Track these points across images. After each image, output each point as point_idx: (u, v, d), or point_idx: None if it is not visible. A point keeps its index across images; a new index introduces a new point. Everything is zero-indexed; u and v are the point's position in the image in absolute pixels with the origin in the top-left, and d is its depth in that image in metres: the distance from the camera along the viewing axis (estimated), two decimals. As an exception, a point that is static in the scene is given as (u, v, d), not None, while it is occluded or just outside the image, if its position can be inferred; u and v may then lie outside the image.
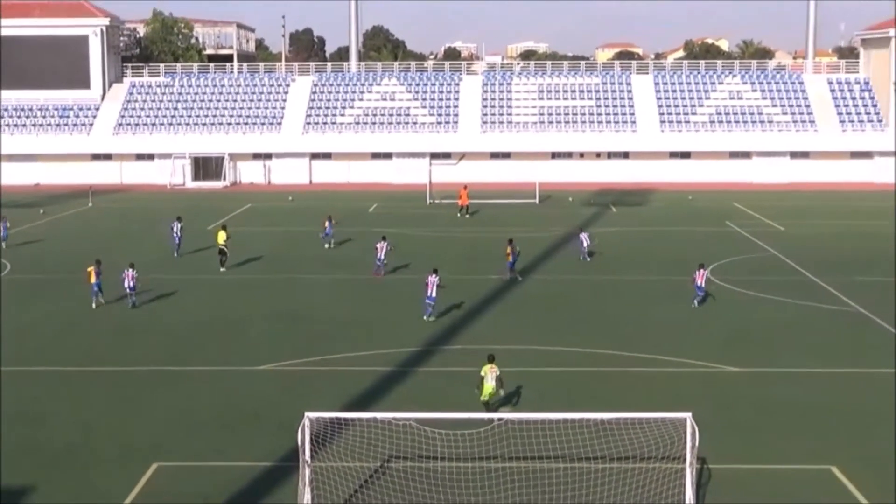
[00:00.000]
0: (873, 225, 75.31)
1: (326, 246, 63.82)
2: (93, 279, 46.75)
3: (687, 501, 24.03)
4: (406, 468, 26.91)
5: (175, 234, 61.02)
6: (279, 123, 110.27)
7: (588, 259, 59.90)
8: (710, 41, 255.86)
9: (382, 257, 54.58)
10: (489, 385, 30.08)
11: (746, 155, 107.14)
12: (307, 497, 23.98)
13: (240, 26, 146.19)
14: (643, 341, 41.85)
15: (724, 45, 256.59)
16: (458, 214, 79.66)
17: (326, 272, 56.64)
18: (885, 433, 31.42)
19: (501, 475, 26.51)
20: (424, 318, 44.83)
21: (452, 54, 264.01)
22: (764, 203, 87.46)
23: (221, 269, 56.11)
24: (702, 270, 48.83)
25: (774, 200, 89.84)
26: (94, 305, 46.87)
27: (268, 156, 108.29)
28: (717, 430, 29.13)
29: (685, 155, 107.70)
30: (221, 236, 56.79)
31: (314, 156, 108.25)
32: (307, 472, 24.01)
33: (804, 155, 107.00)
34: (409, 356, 39.68)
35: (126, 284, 46.74)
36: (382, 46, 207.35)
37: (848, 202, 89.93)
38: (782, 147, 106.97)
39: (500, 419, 27.52)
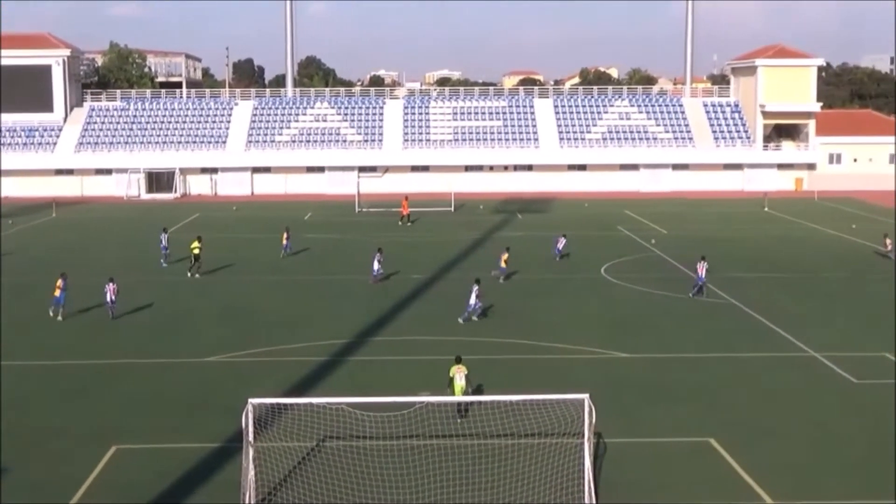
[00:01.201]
0: (743, 228, 76.31)
1: (282, 254, 62.44)
2: (57, 292, 44.30)
3: (585, 471, 24.14)
4: (339, 446, 26.85)
5: (162, 244, 59.65)
6: (224, 142, 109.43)
7: (558, 259, 60.41)
8: (602, 69, 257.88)
9: (378, 267, 53.42)
10: (459, 384, 29.58)
11: (634, 167, 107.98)
12: (251, 473, 23.83)
13: (188, 56, 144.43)
14: (546, 332, 42.06)
15: (614, 72, 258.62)
16: (400, 223, 79.37)
17: (269, 274, 56.27)
18: (754, 408, 31.89)
19: (423, 451, 26.49)
20: (460, 320, 43.90)
21: (377, 81, 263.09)
22: (650, 209, 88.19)
23: (188, 274, 54.98)
24: (702, 262, 49.57)
25: (659, 207, 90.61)
26: (51, 314, 44.37)
27: (214, 170, 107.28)
28: (610, 409, 29.32)
29: (581, 167, 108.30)
30: (195, 245, 56.14)
31: (255, 170, 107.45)
32: (251, 451, 23.85)
33: (684, 167, 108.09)
34: (341, 347, 39.58)
35: (108, 298, 44.30)
36: (315, 74, 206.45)
37: (722, 208, 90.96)
38: (665, 160, 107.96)
39: (421, 403, 27.49)
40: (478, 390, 31.97)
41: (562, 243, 61.25)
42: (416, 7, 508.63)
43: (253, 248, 65.62)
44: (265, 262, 59.94)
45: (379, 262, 53.26)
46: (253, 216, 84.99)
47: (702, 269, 49.33)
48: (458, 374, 29.62)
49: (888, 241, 61.92)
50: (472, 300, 43.79)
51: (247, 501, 23.55)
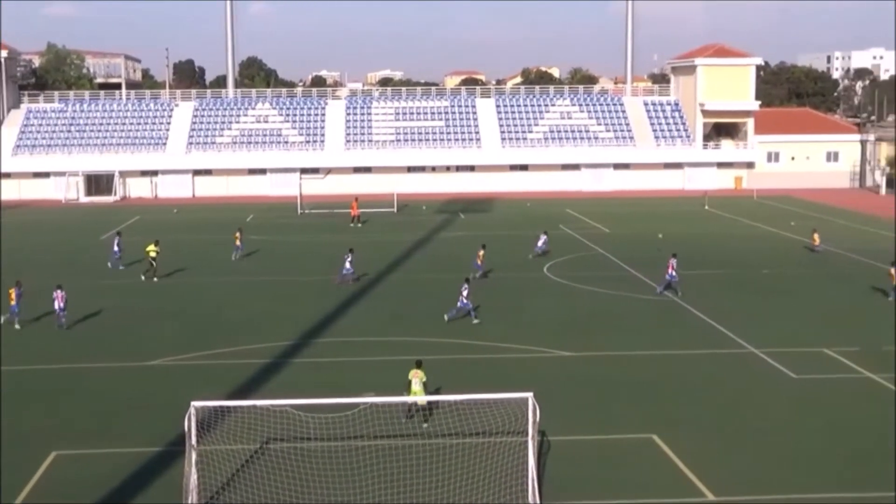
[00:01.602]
0: (684, 226, 77.00)
1: (234, 256, 61.99)
2: (12, 301, 42.89)
3: (529, 469, 24.25)
4: (283, 448, 26.75)
5: (116, 248, 58.76)
6: (164, 144, 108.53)
7: (531, 258, 60.82)
8: (543, 69, 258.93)
9: (349, 267, 53.13)
10: (414, 389, 29.30)
11: (576, 167, 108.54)
12: (193, 477, 23.68)
13: (127, 57, 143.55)
14: (489, 331, 42.16)
15: (555, 72, 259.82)
16: (351, 224, 79.13)
17: (211, 276, 55.91)
18: (696, 405, 32.21)
19: (367, 452, 26.51)
20: (446, 317, 43.91)
21: (319, 82, 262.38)
22: (592, 208, 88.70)
23: (142, 278, 54.36)
24: (673, 259, 49.90)
25: (601, 206, 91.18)
26: (2, 320, 43.07)
27: (154, 172, 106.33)
28: (554, 407, 29.42)
29: (523, 167, 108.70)
30: (152, 249, 55.61)
31: (196, 172, 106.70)
32: (193, 455, 23.71)
33: (625, 166, 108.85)
34: (284, 349, 39.42)
35: (56, 305, 43.01)
36: (256, 75, 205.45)
37: (662, 207, 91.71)
38: (606, 160, 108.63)
39: (365, 403, 27.46)
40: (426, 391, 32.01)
41: (542, 240, 61.87)
42: (357, 7, 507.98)
43: (200, 250, 65.16)
44: (217, 264, 59.56)
45: (350, 262, 53.14)
46: (194, 218, 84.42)
47: (672, 265, 49.67)
48: (415, 380, 29.49)
49: (816, 237, 63.07)
50: (463, 299, 43.79)
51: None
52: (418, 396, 28.85)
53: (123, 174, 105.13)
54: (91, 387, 34.46)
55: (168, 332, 42.68)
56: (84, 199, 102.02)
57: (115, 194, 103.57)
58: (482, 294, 50.24)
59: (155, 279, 54.24)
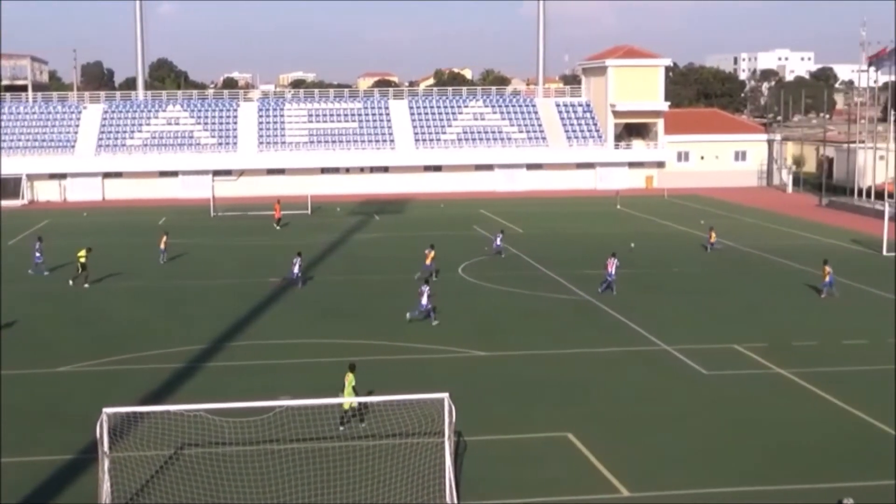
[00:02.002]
0: (595, 225, 77.72)
1: (160, 260, 60.89)
2: None
3: (446, 470, 24.27)
4: (197, 454, 26.45)
5: (37, 254, 57.28)
6: (73, 146, 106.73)
7: (484, 255, 61.76)
8: (456, 70, 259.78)
9: (297, 272, 52.53)
10: (347, 392, 28.98)
11: (489, 167, 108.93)
12: (106, 485, 23.33)
13: (34, 59, 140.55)
14: (404, 332, 42.15)
15: (468, 73, 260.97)
16: (275, 226, 78.59)
17: (121, 280, 55.08)
18: (609, 402, 32.50)
19: (283, 455, 26.34)
20: (408, 315, 43.80)
21: (231, 83, 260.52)
22: (505, 209, 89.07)
23: (70, 283, 53.16)
24: (612, 259, 50.09)
25: (514, 206, 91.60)
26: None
27: (63, 176, 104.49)
28: (470, 407, 29.50)
29: (437, 168, 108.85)
30: (82, 254, 54.49)
31: (106, 175, 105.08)
32: (106, 462, 23.36)
33: (538, 167, 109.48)
34: (198, 353, 38.99)
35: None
36: (167, 77, 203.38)
37: (575, 206, 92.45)
38: (519, 160, 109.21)
39: (280, 407, 27.25)
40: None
41: (500, 238, 62.78)
42: (269, 8, 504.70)
43: (104, 254, 64.09)
44: (119, 268, 58.61)
45: (299, 266, 52.72)
46: (104, 222, 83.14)
47: (611, 265, 50.04)
48: (347, 384, 29.16)
49: (713, 234, 64.23)
50: (424, 300, 43.63)
51: (103, 513, 23.09)
52: (344, 399, 28.72)
53: (31, 177, 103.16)
54: (2, 396, 33.73)
55: (77, 338, 41.82)
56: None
57: (23, 198, 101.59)
58: (395, 294, 50.20)
59: (86, 285, 53.20)
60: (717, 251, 63.07)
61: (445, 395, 24.77)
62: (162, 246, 61.59)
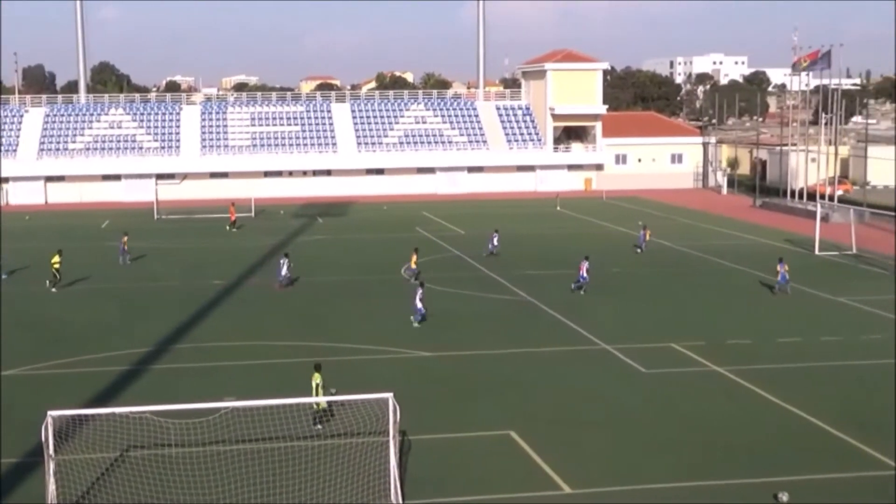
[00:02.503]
0: (536, 227, 78.05)
1: (121, 262, 60.61)
2: None
3: (391, 469, 24.29)
4: (143, 455, 26.28)
5: None
6: (14, 150, 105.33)
7: (484, 255, 61.85)
8: (398, 74, 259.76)
9: (284, 272, 52.36)
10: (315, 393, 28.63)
11: (431, 170, 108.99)
12: (52, 486, 23.10)
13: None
14: (347, 333, 42.10)
15: (409, 77, 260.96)
16: (228, 227, 77.76)
17: (64, 283, 54.39)
18: (551, 400, 32.68)
19: (229, 456, 26.25)
20: (414, 321, 43.78)
21: (173, 87, 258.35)
22: (447, 211, 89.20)
23: (53, 289, 52.39)
24: (585, 262, 50.34)
25: (456, 209, 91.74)
26: None
27: (5, 179, 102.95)
28: (414, 407, 29.51)
29: (379, 171, 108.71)
30: (56, 259, 53.72)
31: (48, 178, 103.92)
32: (52, 465, 23.12)
33: (479, 169, 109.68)
34: (143, 356, 38.67)
35: None
36: (109, 80, 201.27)
37: (516, 208, 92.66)
38: (461, 163, 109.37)
39: (225, 408, 27.11)
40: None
41: (496, 238, 62.79)
42: (211, 11, 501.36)
43: (47, 258, 63.33)
44: (62, 272, 57.96)
45: (288, 267, 52.63)
46: (46, 225, 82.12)
47: (584, 267, 50.26)
48: (314, 383, 28.95)
49: (648, 233, 64.61)
50: (418, 303, 43.63)
51: (49, 516, 22.87)
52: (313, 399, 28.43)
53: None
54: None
55: (20, 341, 41.26)
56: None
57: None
58: (337, 296, 50.16)
59: (54, 289, 52.46)
60: (649, 252, 63.43)
61: (390, 395, 24.80)
62: (124, 247, 61.47)
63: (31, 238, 74.02)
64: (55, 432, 23.45)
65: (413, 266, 54.25)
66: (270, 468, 25.55)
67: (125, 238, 62.36)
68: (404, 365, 37.24)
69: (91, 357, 38.48)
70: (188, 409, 25.84)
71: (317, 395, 28.50)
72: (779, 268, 50.28)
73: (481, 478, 25.89)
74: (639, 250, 63.79)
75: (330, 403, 28.75)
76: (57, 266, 53.40)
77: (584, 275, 50.37)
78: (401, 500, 23.81)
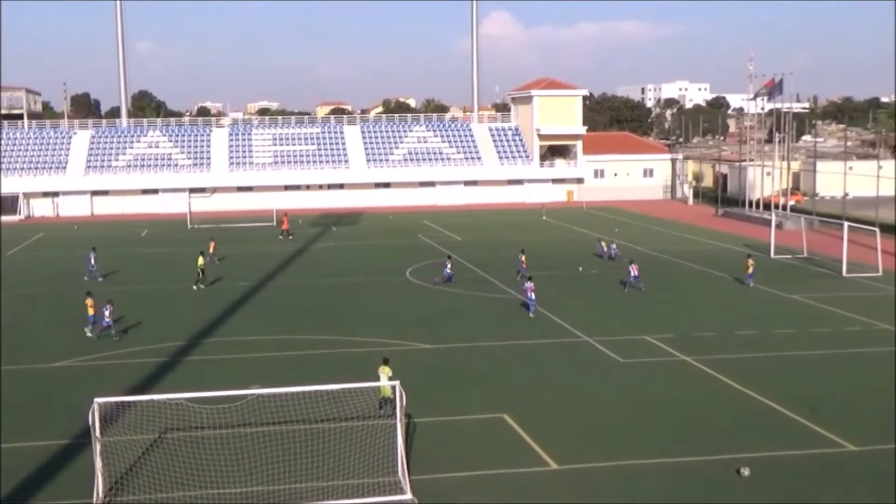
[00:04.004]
0: (524, 233, 77.88)
1: (213, 262, 60.44)
2: (90, 311, 40.34)
3: (398, 448, 24.19)
4: (179, 437, 26.18)
5: (90, 262, 56.32)
6: (64, 167, 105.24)
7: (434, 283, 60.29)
8: (402, 99, 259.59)
9: (449, 271, 52.99)
10: (384, 385, 27.96)
11: (432, 184, 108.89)
12: (98, 464, 22.99)
13: (28, 91, 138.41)
14: (360, 328, 42.01)
15: (412, 102, 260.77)
16: (281, 237, 77.24)
17: (105, 285, 54.19)
18: (539, 387, 32.57)
19: (256, 437, 26.16)
20: (533, 310, 43.96)
21: (204, 111, 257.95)
22: (446, 220, 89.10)
23: (198, 287, 52.40)
24: (633, 265, 50.39)
25: (453, 218, 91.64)
26: (88, 333, 40.36)
27: (55, 193, 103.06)
28: (418, 393, 29.38)
29: (386, 185, 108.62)
30: (200, 260, 53.68)
31: (94, 192, 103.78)
32: (98, 445, 23.02)
33: (474, 183, 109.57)
34: (177, 348, 38.58)
35: (105, 320, 39.78)
36: (147, 106, 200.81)
37: (507, 217, 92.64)
38: (458, 178, 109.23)
39: (251, 395, 27.00)
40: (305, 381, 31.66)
41: (449, 266, 59.40)
42: (237, 45, 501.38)
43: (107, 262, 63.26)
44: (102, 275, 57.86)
45: (450, 267, 53.52)
46: (92, 234, 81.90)
47: (634, 269, 50.10)
48: (383, 375, 28.55)
49: (605, 244, 63.10)
50: (531, 295, 43.97)
51: (97, 491, 22.77)
52: (386, 394, 27.80)
53: (27, 195, 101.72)
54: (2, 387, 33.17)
55: (67, 337, 40.96)
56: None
57: (20, 214, 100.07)
58: (351, 295, 50.03)
59: (201, 286, 52.51)
60: (624, 255, 63.19)
61: (396, 383, 24.74)
62: (211, 251, 62.04)
63: (78, 245, 73.87)
64: (101, 417, 23.35)
65: (524, 266, 54.30)
66: (292, 447, 25.44)
67: (212, 244, 62.86)
68: (408, 356, 37.11)
69: (130, 350, 38.37)
70: (218, 395, 25.75)
71: (383, 388, 28.00)
72: (749, 262, 51.22)
73: (478, 456, 25.80)
74: (609, 258, 62.37)
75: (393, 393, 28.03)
76: (202, 266, 53.34)
77: (636, 274, 50.15)
78: (407, 476, 23.71)
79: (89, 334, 40.47)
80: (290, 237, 76.92)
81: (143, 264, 61.60)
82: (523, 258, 54.71)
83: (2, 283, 54.20)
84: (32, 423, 29.08)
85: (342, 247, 71.26)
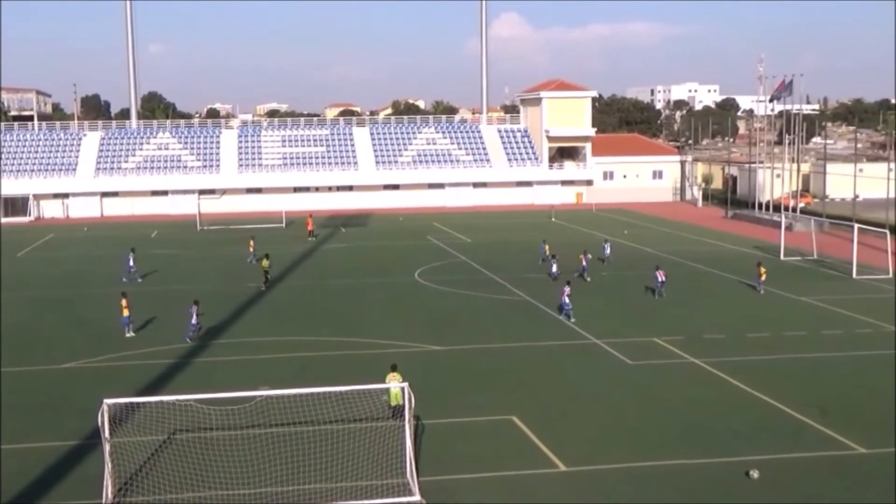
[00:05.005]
0: (533, 235, 77.79)
1: (250, 261, 61.36)
2: (125, 312, 40.85)
3: (406, 449, 24.19)
4: (188, 438, 26.23)
5: (129, 263, 56.43)
6: (74, 169, 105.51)
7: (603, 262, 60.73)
8: (411, 101, 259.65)
9: (555, 269, 53.18)
10: (393, 391, 27.81)
11: (441, 186, 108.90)
12: (108, 466, 23.04)
13: (39, 93, 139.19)
14: (368, 329, 42.00)
15: (421, 104, 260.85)
16: (309, 237, 77.06)
17: (115, 286, 54.25)
18: (548, 389, 32.55)
19: (264, 438, 26.19)
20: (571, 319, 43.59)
21: (213, 113, 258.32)
22: (455, 222, 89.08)
23: (262, 288, 52.61)
24: (660, 270, 49.77)
25: (462, 219, 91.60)
26: (127, 334, 40.87)
27: (65, 195, 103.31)
28: (427, 395, 29.38)
29: (395, 187, 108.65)
30: (265, 262, 53.98)
31: (104, 194, 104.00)
32: (107, 446, 23.07)
33: (483, 185, 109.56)
34: (186, 350, 38.63)
35: (192, 320, 40.12)
36: (157, 107, 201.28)
37: (516, 219, 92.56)
38: (467, 179, 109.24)
39: (260, 396, 27.03)
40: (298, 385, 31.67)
41: (607, 247, 61.66)
42: (247, 47, 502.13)
43: (100, 264, 63.34)
44: (108, 275, 57.82)
45: (556, 263, 54.20)
46: (102, 235, 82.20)
47: (661, 275, 49.49)
48: (392, 382, 27.91)
49: (582, 257, 61.77)
50: (565, 299, 43.83)
51: (106, 492, 22.80)
52: (396, 400, 27.56)
53: (37, 197, 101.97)
54: (8, 388, 33.19)
55: (76, 338, 41.09)
56: (3, 220, 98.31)
57: (30, 215, 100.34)
58: (360, 296, 50.03)
59: (263, 287, 52.67)
60: (633, 257, 63.09)
61: (405, 384, 24.75)
62: (251, 250, 63.17)
63: (87, 246, 74.10)
64: (110, 418, 23.40)
65: (584, 264, 54.74)
66: (301, 448, 25.46)
67: (251, 241, 63.88)
68: (417, 357, 37.11)
69: (138, 351, 38.44)
70: (227, 397, 25.79)
71: (393, 392, 27.83)
72: (761, 269, 50.73)
73: (487, 457, 25.79)
74: (602, 261, 61.71)
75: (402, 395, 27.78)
76: (266, 267, 53.53)
77: (663, 279, 49.49)
78: (415, 477, 23.72)
79: (128, 335, 40.77)
80: (315, 238, 77.04)
81: (157, 265, 61.59)
82: (589, 256, 55.39)
83: (1, 285, 54.34)
84: (42, 424, 29.13)
85: (351, 248, 71.27)
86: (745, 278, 53.59)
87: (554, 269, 52.29)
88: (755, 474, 23.97)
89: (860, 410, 29.85)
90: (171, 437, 26.62)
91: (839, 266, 58.71)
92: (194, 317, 40.37)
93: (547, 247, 62.79)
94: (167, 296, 51.43)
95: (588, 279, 53.54)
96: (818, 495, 23.16)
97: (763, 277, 50.54)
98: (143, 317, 45.11)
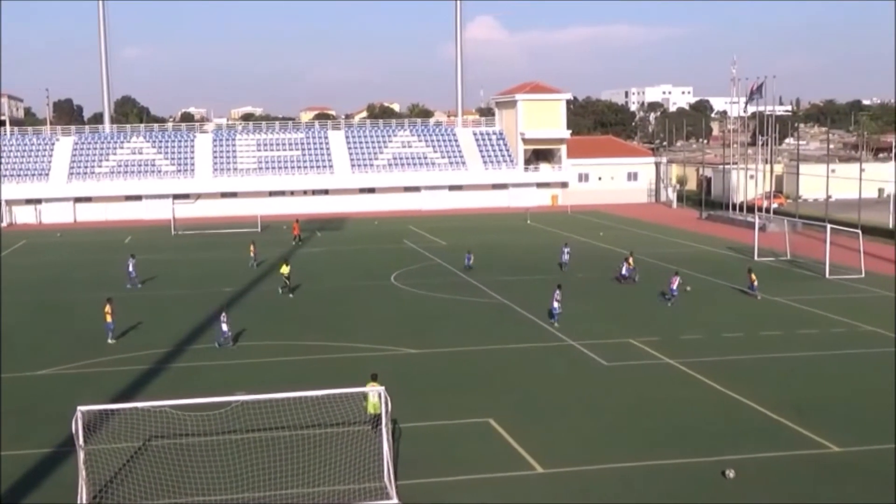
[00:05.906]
0: (508, 238, 78.00)
1: (252, 265, 61.33)
2: (108, 318, 40.43)
3: (384, 453, 24.10)
4: (164, 444, 26.07)
5: (129, 269, 55.69)
6: (47, 174, 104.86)
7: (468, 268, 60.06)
8: (386, 104, 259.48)
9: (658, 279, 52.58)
10: (372, 401, 27.39)
11: (416, 189, 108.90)
12: (82, 473, 22.87)
13: (10, 97, 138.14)
14: (345, 333, 41.91)
15: (396, 107, 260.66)
16: (294, 242, 77.00)
17: (89, 291, 53.92)
18: (525, 391, 32.56)
19: (241, 444, 26.08)
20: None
21: (188, 117, 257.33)
22: (431, 225, 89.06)
23: (290, 295, 51.84)
24: (676, 277, 49.02)
25: (438, 223, 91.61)
26: (109, 341, 40.55)
27: (38, 200, 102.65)
28: (403, 398, 29.34)
29: (371, 190, 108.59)
30: (285, 269, 53.32)
31: (77, 199, 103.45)
32: (82, 454, 22.89)
33: (459, 188, 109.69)
34: (161, 356, 38.40)
35: (223, 328, 39.58)
36: (130, 112, 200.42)
37: (492, 222, 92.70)
38: (442, 182, 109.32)
39: (236, 401, 26.92)
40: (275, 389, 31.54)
41: (566, 251, 60.40)
42: (221, 51, 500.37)
43: (73, 269, 62.93)
44: (86, 280, 57.49)
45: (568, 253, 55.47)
46: (75, 241, 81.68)
47: (675, 282, 48.73)
48: (372, 392, 27.26)
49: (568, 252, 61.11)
50: (554, 303, 43.22)
51: (81, 500, 22.63)
52: (374, 410, 27.03)
53: (9, 202, 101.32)
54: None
55: (50, 344, 40.83)
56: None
57: (2, 221, 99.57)
58: (336, 300, 49.93)
59: (290, 294, 51.96)
60: (609, 258, 63.18)
61: (382, 388, 24.70)
62: (252, 253, 63.29)
63: (60, 252, 73.58)
64: (84, 425, 23.21)
65: (631, 265, 54.79)
66: (278, 454, 25.38)
67: (252, 246, 64.26)
68: (394, 361, 37.06)
69: (113, 357, 38.18)
70: (203, 402, 25.63)
71: (371, 401, 27.38)
72: (752, 276, 50.27)
73: (464, 460, 25.77)
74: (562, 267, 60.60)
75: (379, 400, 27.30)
76: (286, 273, 53.13)
77: (675, 288, 48.51)
78: (393, 481, 23.67)
79: (110, 341, 40.47)
80: (301, 242, 76.87)
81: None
82: (630, 260, 55.35)
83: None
84: (15, 432, 28.84)
85: (327, 252, 71.12)
86: (718, 279, 53.72)
87: (673, 286, 49.05)
88: (731, 474, 24.07)
89: (836, 409, 30.03)
90: (147, 443, 26.46)
91: (812, 266, 59.09)
92: (224, 325, 39.80)
93: (567, 250, 61.21)
94: (142, 300, 51.08)
95: (637, 280, 54.07)
96: (794, 494, 23.27)
97: (756, 283, 50.09)
98: (127, 323, 44.80)
